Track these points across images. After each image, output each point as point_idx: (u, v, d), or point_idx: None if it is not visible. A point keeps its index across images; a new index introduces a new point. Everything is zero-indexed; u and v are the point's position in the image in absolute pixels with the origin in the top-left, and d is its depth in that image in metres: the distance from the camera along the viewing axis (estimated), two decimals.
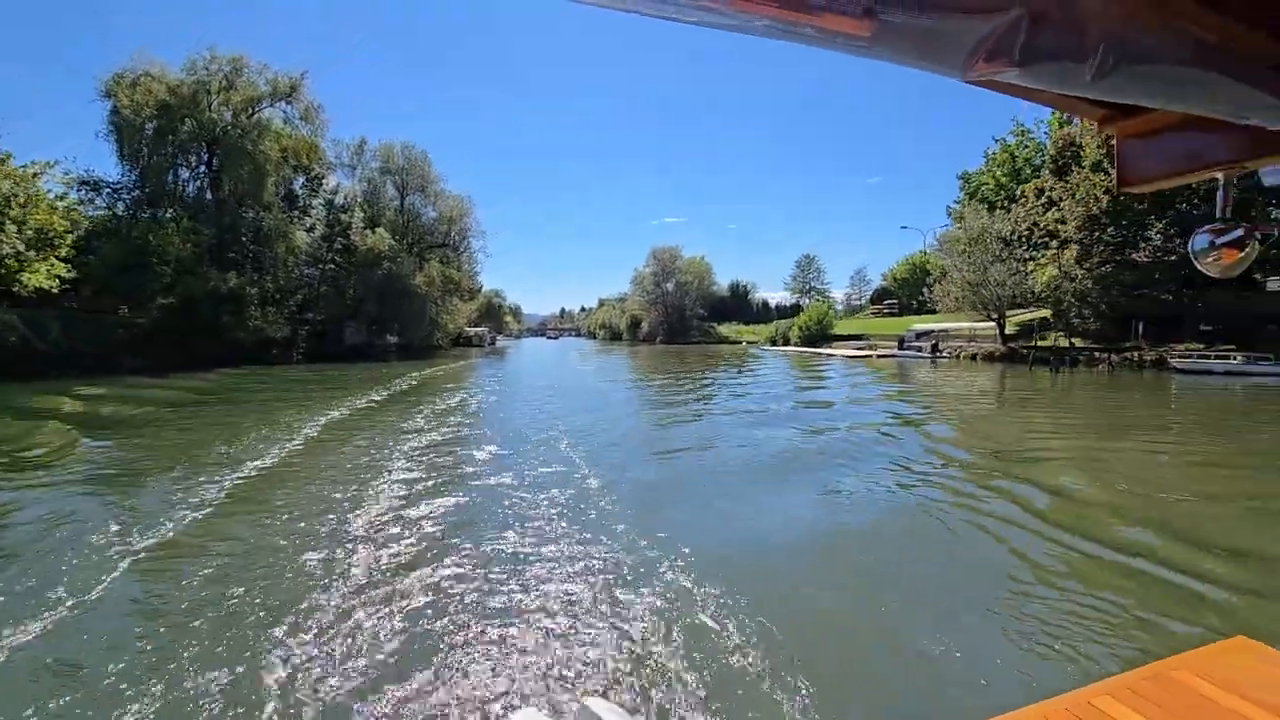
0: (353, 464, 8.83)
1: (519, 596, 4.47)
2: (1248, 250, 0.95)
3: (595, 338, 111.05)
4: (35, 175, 28.60)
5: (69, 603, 4.43)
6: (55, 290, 27.91)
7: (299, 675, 3.51)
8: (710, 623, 4.02)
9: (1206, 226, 0.97)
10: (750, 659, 3.57)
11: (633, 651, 3.68)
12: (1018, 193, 33.66)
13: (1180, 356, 24.64)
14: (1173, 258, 26.71)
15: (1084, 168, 28.94)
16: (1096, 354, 28.15)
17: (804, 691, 3.26)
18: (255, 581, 4.83)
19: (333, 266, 42.33)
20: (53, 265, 27.69)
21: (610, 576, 4.82)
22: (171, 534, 5.88)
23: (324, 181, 45.49)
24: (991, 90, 0.74)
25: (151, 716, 3.19)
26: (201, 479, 7.89)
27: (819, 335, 52.53)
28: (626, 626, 3.99)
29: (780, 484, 8.23)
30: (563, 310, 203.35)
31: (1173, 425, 13.34)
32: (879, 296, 72.97)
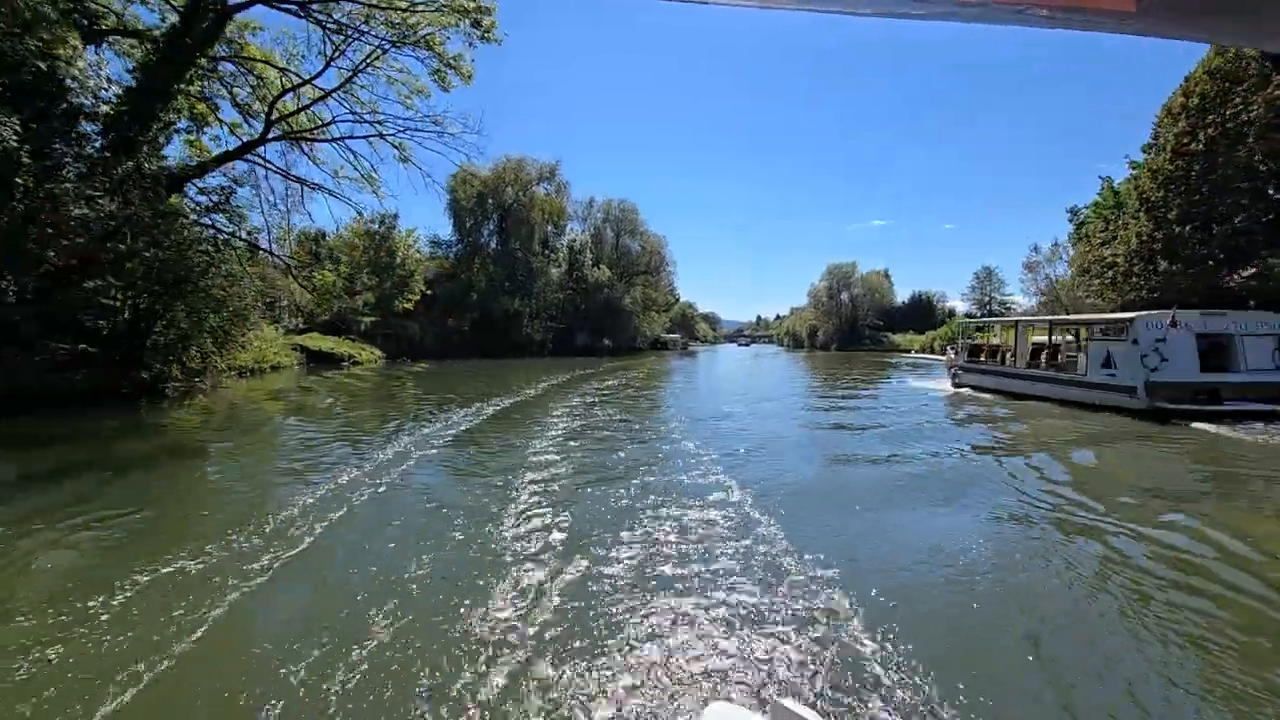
0: (590, 388, 22.14)
1: (679, 582, 4.72)
2: None
3: (783, 344, 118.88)
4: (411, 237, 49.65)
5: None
6: (411, 309, 48.36)
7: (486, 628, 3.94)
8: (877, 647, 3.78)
9: None
10: (925, 690, 3.34)
11: (812, 660, 3.62)
12: (1087, 230, 37.00)
13: None
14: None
15: (1134, 213, 31.13)
16: None
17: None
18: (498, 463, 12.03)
19: (570, 292, 60.32)
20: (412, 295, 47.94)
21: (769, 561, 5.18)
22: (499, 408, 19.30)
23: (566, 230, 64.27)
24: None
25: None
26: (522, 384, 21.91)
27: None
28: (793, 629, 4.00)
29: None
30: (758, 318, 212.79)
31: None
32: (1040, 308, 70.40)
